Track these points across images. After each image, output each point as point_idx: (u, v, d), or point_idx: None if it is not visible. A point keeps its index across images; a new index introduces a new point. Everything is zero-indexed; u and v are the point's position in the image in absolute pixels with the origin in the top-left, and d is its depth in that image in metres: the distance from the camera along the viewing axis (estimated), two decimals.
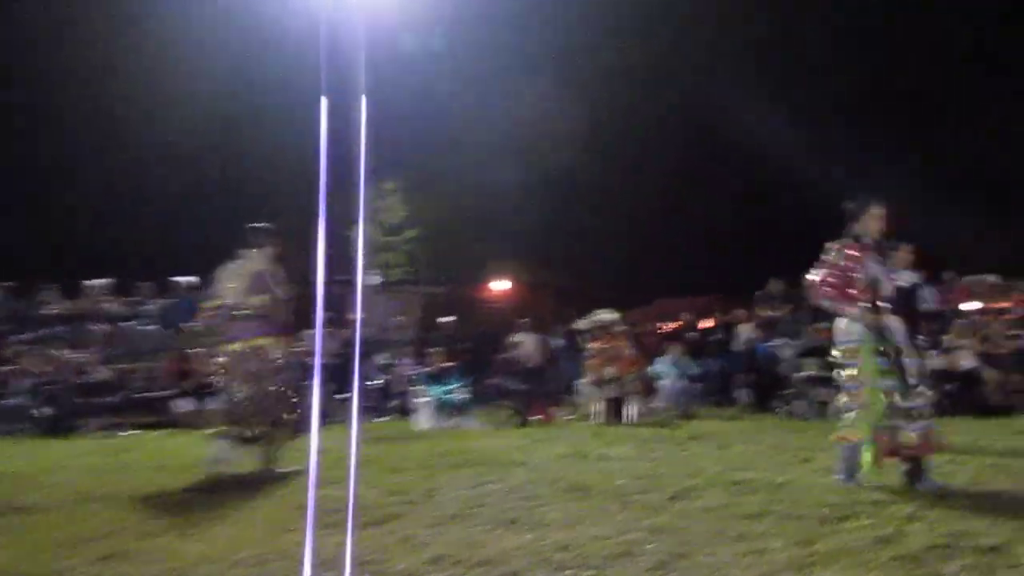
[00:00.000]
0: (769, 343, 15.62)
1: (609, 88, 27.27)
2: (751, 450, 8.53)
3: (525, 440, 10.06)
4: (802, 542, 4.49)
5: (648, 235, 30.60)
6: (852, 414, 6.20)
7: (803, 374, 13.42)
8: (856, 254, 6.24)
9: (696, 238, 29.68)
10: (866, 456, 6.13)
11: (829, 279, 6.29)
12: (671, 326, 20.89)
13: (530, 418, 13.02)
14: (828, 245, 6.36)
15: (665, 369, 14.49)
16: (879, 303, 6.18)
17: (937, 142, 27.27)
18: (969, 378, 13.20)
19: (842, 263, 6.26)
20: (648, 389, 13.80)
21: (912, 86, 29.11)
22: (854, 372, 6.19)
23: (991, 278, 18.83)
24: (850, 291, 6.24)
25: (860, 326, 6.17)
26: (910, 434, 6.04)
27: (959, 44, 27.99)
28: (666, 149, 28.66)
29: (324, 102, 3.32)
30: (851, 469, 6.23)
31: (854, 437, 6.19)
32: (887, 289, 6.26)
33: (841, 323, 6.32)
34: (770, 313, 16.70)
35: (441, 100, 24.42)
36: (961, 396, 12.77)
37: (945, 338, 13.84)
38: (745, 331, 16.34)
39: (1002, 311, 16.49)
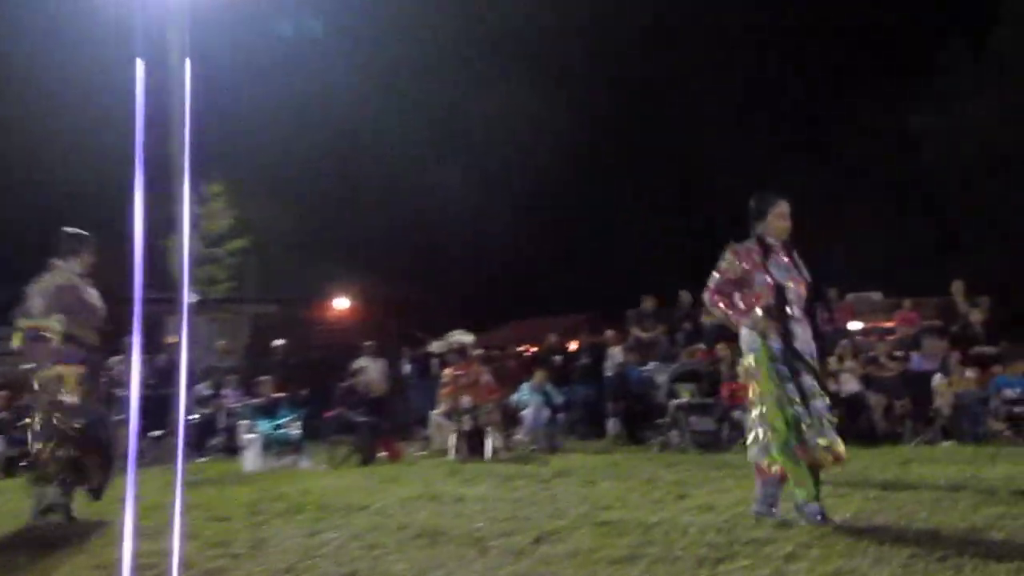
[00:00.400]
0: (642, 367, 15.98)
1: (468, 88, 27.47)
2: (622, 487, 8.70)
3: (369, 480, 9.99)
4: None
5: (508, 248, 30.89)
6: (762, 435, 6.32)
7: (678, 401, 13.78)
8: (755, 258, 6.41)
9: (561, 251, 30.12)
10: (796, 490, 6.24)
11: (722, 286, 6.45)
12: (534, 349, 21.15)
13: (375, 455, 12.94)
14: (727, 247, 6.50)
15: (527, 397, 14.62)
16: (782, 309, 6.29)
17: (817, 152, 28.48)
18: (854, 403, 13.81)
19: (739, 267, 6.42)
20: (509, 420, 13.91)
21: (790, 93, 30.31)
22: (756, 386, 6.34)
23: (876, 295, 19.80)
24: (747, 298, 6.40)
25: (753, 338, 6.32)
26: (823, 442, 6.17)
27: (849, 49, 29.40)
28: (527, 155, 28.99)
29: (140, 65, 3.22)
30: (769, 501, 6.40)
31: (771, 470, 6.33)
32: (793, 293, 6.39)
33: (743, 332, 6.45)
34: (643, 334, 17.10)
35: (275, 95, 24.07)
36: (845, 422, 13.34)
37: (828, 360, 14.46)
38: (616, 354, 16.66)
39: (887, 331, 17.34)
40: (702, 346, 15.58)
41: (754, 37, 29.43)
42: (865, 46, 29.21)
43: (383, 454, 13.06)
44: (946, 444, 12.93)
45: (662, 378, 14.92)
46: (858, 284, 19.26)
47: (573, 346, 19.49)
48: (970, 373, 14.17)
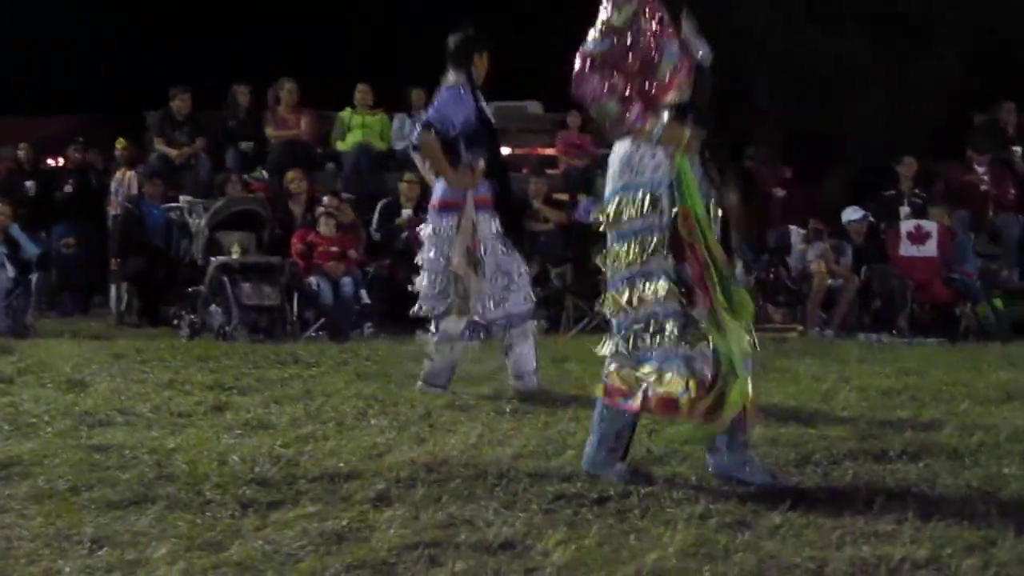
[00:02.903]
0: (168, 205, 15.83)
1: None
2: (127, 391, 8.80)
3: None
4: (201, 546, 4.72)
5: None
6: (639, 340, 5.72)
7: (223, 259, 13.79)
8: (666, 16, 5.55)
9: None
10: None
11: (608, 59, 5.53)
12: None
13: None
14: None
15: None
16: (705, 113, 5.67)
17: None
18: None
19: (643, 32, 5.52)
20: None
21: None
22: (636, 250, 5.59)
23: (533, 106, 20.58)
24: (649, 84, 5.57)
25: (659, 160, 5.53)
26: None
27: None
28: None
29: None
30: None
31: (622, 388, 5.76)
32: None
33: (619, 153, 5.68)
34: (171, 151, 16.95)
35: None
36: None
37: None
38: (127, 181, 16.46)
39: (547, 162, 18.18)
40: (263, 174, 15.68)
41: None
42: None
43: None
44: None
45: (199, 222, 14.86)
46: (509, 89, 19.55)
47: (60, 163, 19.11)
48: None
